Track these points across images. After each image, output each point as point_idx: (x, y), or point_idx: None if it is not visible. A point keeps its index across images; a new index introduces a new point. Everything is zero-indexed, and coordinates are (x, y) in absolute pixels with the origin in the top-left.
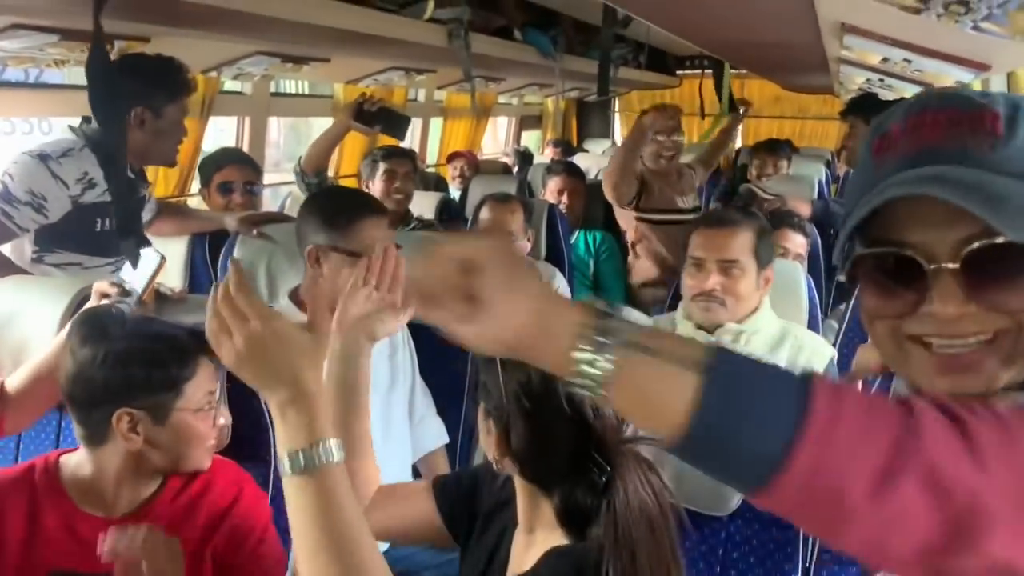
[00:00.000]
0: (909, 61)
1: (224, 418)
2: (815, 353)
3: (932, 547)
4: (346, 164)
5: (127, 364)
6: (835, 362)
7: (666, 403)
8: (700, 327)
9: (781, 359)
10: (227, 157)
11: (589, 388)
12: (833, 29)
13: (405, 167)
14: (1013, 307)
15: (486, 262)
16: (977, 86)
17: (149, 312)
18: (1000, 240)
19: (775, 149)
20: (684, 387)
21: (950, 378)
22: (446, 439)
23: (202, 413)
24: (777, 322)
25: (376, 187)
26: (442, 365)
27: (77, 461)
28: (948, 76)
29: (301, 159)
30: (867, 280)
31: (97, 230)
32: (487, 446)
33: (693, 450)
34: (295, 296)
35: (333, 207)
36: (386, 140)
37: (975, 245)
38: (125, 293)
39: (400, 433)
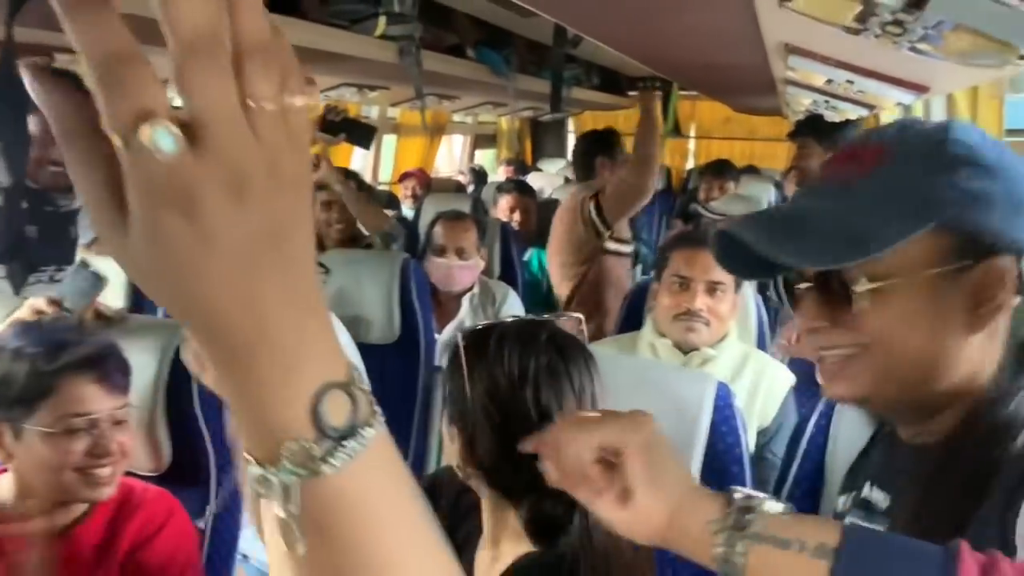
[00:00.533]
0: (851, 82)
1: (115, 454)
2: (775, 380)
3: None
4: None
5: None
6: (793, 389)
7: None
8: (676, 346)
9: (743, 384)
10: None
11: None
12: (778, 49)
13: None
14: (851, 325)
15: (628, 450)
16: (918, 108)
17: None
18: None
19: (721, 171)
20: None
21: (826, 385)
22: None
23: (55, 438)
24: (739, 346)
25: (320, 217)
26: (395, 385)
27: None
28: (889, 97)
29: None
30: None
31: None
32: (450, 455)
33: None
34: None
35: None
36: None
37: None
38: (62, 312)
39: None
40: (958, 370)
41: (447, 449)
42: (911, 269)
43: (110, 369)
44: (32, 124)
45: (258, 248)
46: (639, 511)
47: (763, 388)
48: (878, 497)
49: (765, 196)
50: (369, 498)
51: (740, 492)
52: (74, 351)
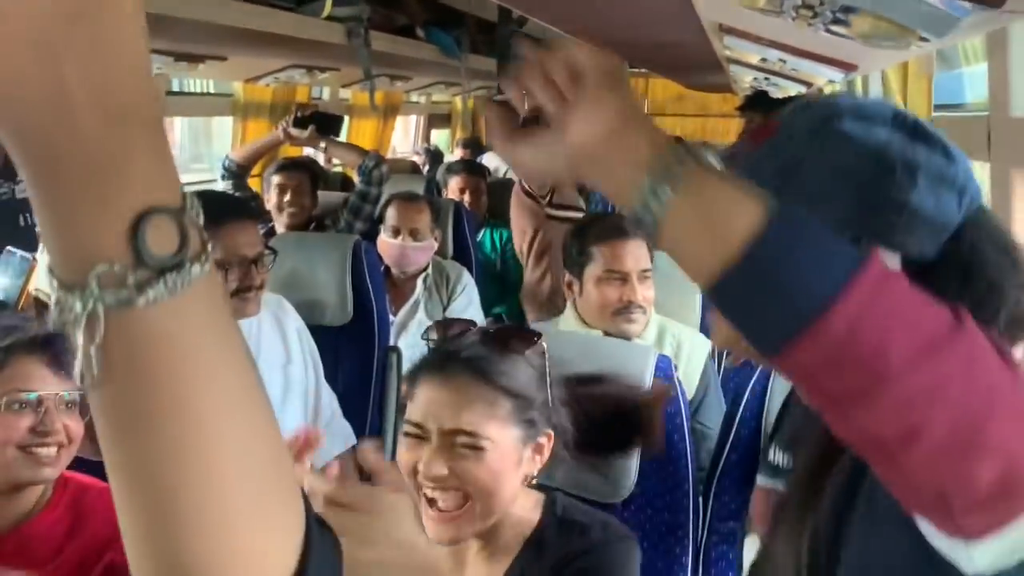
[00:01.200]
0: (784, 61)
1: (59, 434)
2: (694, 348)
3: (944, 435)
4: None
5: None
6: (713, 353)
7: (727, 226)
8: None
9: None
10: None
11: (648, 214)
12: (714, 29)
13: (296, 180)
14: None
15: (588, 70)
16: (859, 86)
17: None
18: None
19: None
20: (749, 212)
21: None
22: (353, 441)
23: None
24: (655, 320)
25: (271, 202)
26: (351, 367)
27: None
28: (820, 75)
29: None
30: None
31: None
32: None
33: (740, 281)
34: None
35: None
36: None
37: None
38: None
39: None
40: None
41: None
42: None
43: (60, 351)
44: None
45: (53, 26)
46: (579, 122)
47: (683, 358)
48: (780, 459)
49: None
50: (185, 340)
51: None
52: (24, 331)
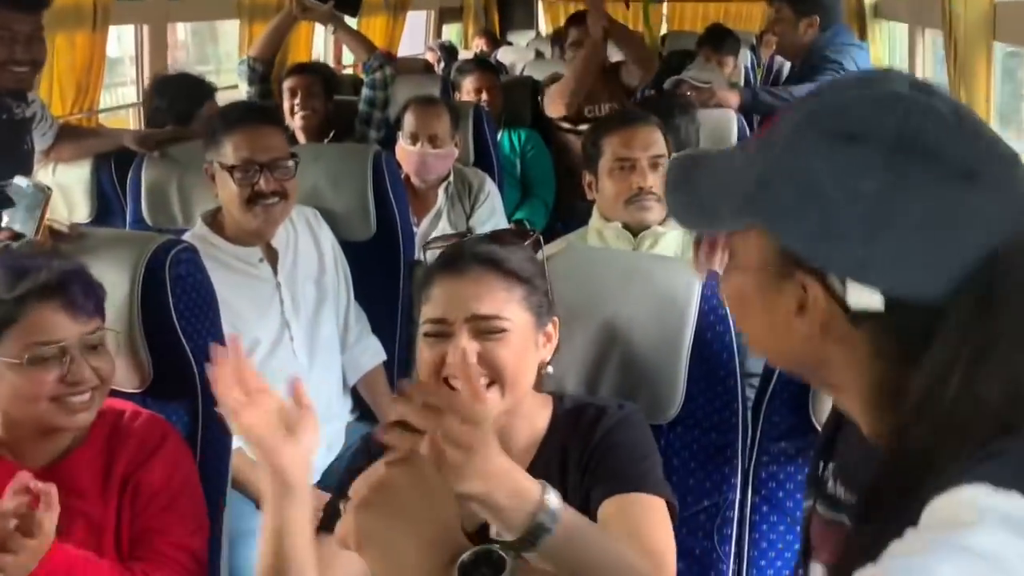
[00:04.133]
0: None
1: (90, 380)
2: None
3: None
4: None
5: None
6: None
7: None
8: (627, 227)
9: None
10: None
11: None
12: None
13: (307, 81)
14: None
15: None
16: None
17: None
18: None
19: (720, 42)
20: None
21: None
22: (383, 356)
23: (23, 368)
24: (679, 232)
25: (285, 107)
26: (376, 282)
27: None
28: None
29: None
30: None
31: None
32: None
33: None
34: (209, 219)
35: (216, 120)
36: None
37: None
38: (16, 236)
39: (328, 360)
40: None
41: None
42: (745, 260)
43: (75, 293)
44: None
45: None
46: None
47: None
48: (839, 491)
49: (741, 61)
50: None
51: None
52: (35, 277)
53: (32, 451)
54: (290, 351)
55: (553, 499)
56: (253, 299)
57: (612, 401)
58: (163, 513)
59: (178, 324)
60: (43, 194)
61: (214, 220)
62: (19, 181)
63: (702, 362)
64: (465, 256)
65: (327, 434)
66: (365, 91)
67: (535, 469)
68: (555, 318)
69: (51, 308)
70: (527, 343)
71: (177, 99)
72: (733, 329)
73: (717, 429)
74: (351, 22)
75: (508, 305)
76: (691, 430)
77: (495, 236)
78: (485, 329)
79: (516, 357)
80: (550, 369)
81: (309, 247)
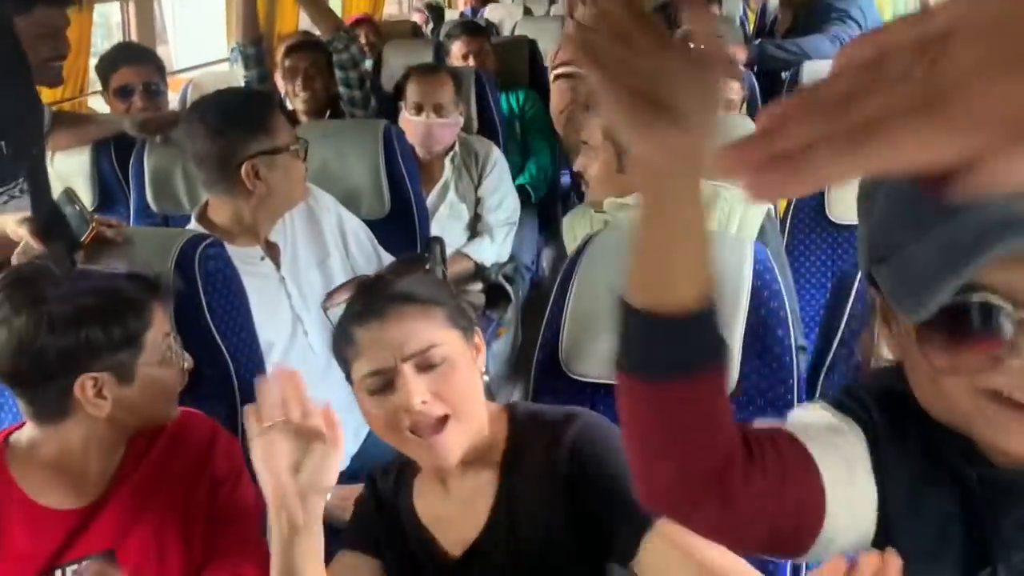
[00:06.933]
0: None
1: (188, 361)
2: (748, 210)
3: None
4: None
5: (81, 326)
6: (772, 214)
7: None
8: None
9: (712, 221)
10: (121, 56)
11: None
12: None
13: (307, 60)
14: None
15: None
16: None
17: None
18: None
19: None
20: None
21: None
22: None
23: (166, 362)
24: (706, 184)
25: (281, 87)
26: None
27: (30, 442)
28: None
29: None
30: (938, 330)
31: None
32: None
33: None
34: (199, 216)
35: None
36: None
37: None
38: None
39: None
40: None
41: None
42: None
43: (163, 289)
44: None
45: None
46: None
47: (736, 222)
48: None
49: (735, 11)
50: None
51: None
52: (145, 278)
53: (85, 476)
54: (305, 346)
55: None
56: (261, 299)
57: (573, 411)
58: (229, 502)
59: (211, 321)
60: (78, 204)
61: (204, 217)
62: (63, 204)
63: (757, 338)
64: (379, 300)
65: (352, 421)
66: (337, 72)
67: (506, 478)
68: (477, 328)
69: (157, 304)
70: (467, 360)
71: None
72: (785, 303)
73: (773, 405)
74: None
75: (437, 332)
76: (746, 407)
77: (394, 271)
78: (426, 363)
79: (464, 380)
80: (486, 377)
81: (308, 231)
